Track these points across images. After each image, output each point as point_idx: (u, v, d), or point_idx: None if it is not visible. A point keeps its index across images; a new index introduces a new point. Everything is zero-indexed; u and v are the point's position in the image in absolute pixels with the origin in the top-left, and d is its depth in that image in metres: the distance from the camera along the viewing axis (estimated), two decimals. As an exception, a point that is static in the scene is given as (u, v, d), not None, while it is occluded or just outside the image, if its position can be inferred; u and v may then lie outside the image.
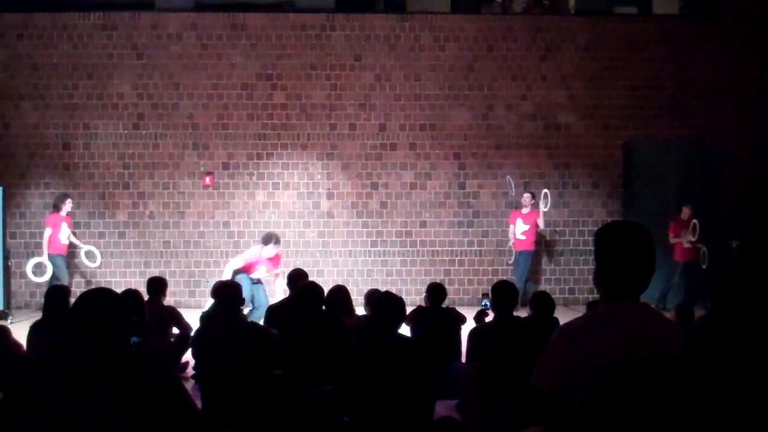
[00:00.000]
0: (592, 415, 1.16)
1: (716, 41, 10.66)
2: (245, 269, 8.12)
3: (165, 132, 10.44)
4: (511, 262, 10.25)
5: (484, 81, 10.58)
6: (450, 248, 10.58)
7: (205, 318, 5.93)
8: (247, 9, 10.57)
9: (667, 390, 1.14)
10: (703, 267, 9.41)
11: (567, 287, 10.68)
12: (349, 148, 10.53)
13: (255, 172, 10.50)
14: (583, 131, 10.64)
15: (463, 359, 5.60)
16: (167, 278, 6.84)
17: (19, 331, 5.13)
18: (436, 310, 5.89)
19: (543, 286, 10.25)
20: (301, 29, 10.49)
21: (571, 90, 10.64)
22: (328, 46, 10.51)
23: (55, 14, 10.39)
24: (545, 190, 10.06)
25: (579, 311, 8.07)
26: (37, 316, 5.31)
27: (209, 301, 5.89)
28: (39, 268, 9.50)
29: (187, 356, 6.06)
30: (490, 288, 4.97)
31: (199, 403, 3.96)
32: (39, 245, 10.09)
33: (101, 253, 10.11)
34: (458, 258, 10.59)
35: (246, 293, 7.92)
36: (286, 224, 10.41)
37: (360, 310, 6.15)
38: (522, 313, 5.65)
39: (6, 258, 9.56)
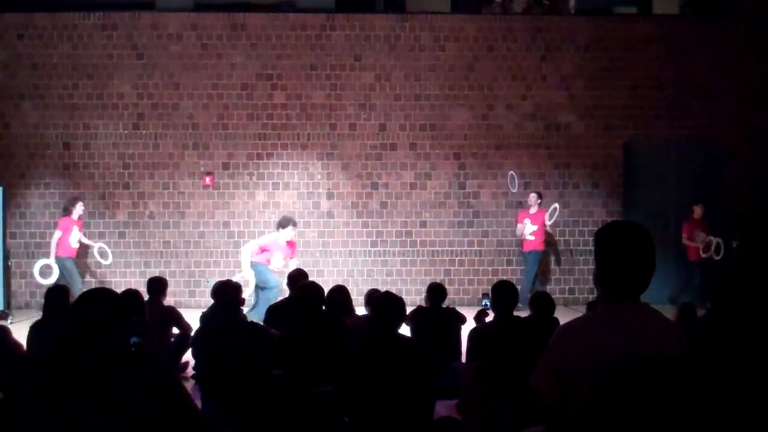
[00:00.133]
0: (592, 415, 1.16)
1: (716, 41, 10.66)
2: (263, 259, 8.09)
3: (165, 132, 10.44)
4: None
5: (484, 81, 10.58)
6: (450, 248, 10.58)
7: (205, 318, 5.94)
8: (247, 9, 10.57)
9: (667, 390, 1.14)
10: (716, 258, 9.29)
11: (567, 287, 10.68)
12: (349, 148, 10.53)
13: (255, 172, 10.50)
14: (583, 131, 10.64)
15: (463, 359, 5.60)
16: (167, 278, 6.83)
17: (19, 331, 5.13)
18: (436, 310, 5.89)
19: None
20: (301, 29, 10.49)
21: (571, 90, 10.64)
22: (328, 46, 10.51)
23: (55, 14, 10.39)
24: (555, 205, 9.99)
25: (579, 311, 8.07)
26: (37, 316, 5.31)
27: (209, 301, 5.89)
28: (48, 269, 9.37)
29: (187, 356, 6.07)
30: (490, 288, 4.97)
31: (199, 403, 3.96)
32: (39, 245, 10.10)
33: (101, 253, 10.12)
34: (458, 258, 10.59)
35: (260, 278, 7.91)
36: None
37: (360, 310, 6.15)
38: (526, 313, 5.64)
39: (6, 258, 9.55)
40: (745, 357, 1.90)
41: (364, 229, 10.57)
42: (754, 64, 10.64)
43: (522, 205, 10.23)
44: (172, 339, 6.21)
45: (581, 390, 1.96)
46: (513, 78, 10.61)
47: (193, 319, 6.32)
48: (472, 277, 10.55)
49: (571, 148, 10.63)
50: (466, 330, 5.44)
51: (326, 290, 5.08)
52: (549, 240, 10.16)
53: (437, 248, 10.57)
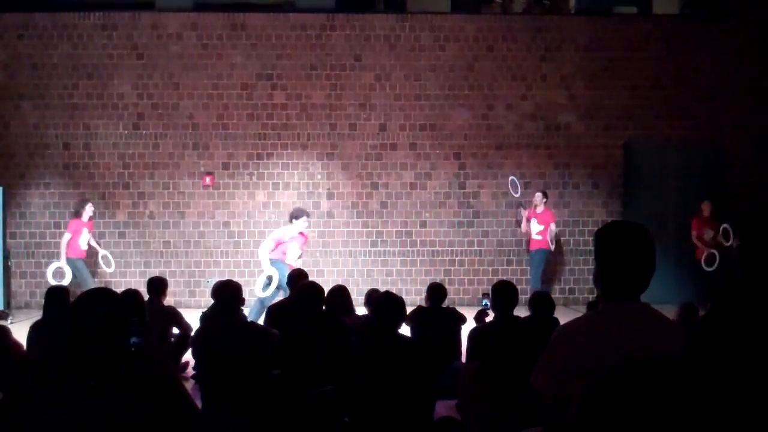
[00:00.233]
0: (592, 415, 1.16)
1: (716, 41, 10.66)
2: (279, 255, 8.07)
3: (165, 132, 10.44)
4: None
5: (484, 81, 10.58)
6: (450, 248, 10.57)
7: (205, 318, 5.94)
8: (247, 9, 10.57)
9: (667, 390, 1.14)
10: (727, 245, 9.12)
11: (567, 287, 10.68)
12: (349, 148, 10.53)
13: (255, 172, 10.50)
14: (583, 131, 10.64)
15: (463, 359, 5.60)
16: (167, 278, 6.84)
17: (19, 331, 5.13)
18: (436, 310, 5.89)
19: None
20: (301, 29, 10.49)
21: (571, 90, 10.64)
22: (328, 46, 10.51)
23: (55, 14, 10.39)
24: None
25: (579, 311, 8.07)
26: (37, 316, 5.31)
27: (209, 301, 5.89)
28: (61, 270, 9.31)
29: (187, 356, 6.07)
30: (490, 288, 4.97)
31: (199, 403, 3.96)
32: (39, 245, 10.11)
33: (101, 253, 10.12)
34: (458, 258, 10.59)
35: (282, 275, 7.80)
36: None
37: (360, 310, 6.15)
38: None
39: (6, 258, 9.55)
40: (745, 357, 1.90)
41: (364, 229, 10.57)
42: (754, 64, 10.64)
43: (522, 205, 10.22)
44: (172, 339, 6.21)
45: (581, 390, 1.95)
46: (513, 78, 10.61)
47: (193, 319, 6.33)
48: (472, 277, 10.55)
49: (571, 148, 10.63)
50: (466, 330, 5.44)
51: (326, 290, 5.09)
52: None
53: (437, 248, 10.57)
